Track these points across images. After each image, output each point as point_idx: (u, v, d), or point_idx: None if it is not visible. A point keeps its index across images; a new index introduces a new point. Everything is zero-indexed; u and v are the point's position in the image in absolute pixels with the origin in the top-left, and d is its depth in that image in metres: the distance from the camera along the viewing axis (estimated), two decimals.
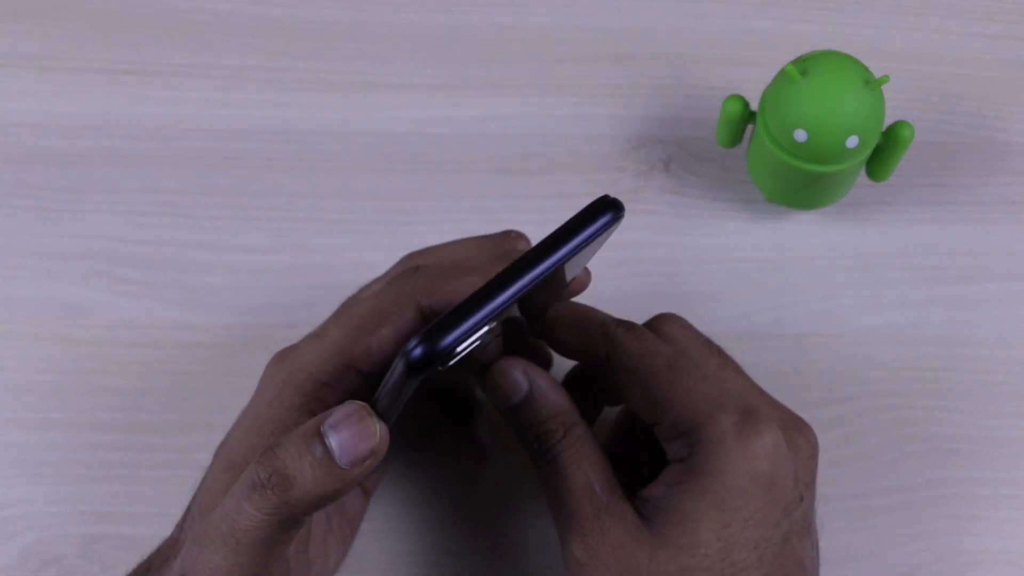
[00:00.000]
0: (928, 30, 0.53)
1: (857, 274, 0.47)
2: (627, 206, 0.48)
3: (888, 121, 0.44)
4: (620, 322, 0.35)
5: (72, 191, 0.48)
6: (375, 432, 0.28)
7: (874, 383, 0.45)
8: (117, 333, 0.45)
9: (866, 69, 0.42)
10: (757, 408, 0.33)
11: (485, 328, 0.26)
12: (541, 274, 0.26)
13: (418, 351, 0.25)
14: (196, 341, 0.45)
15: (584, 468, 0.33)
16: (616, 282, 0.47)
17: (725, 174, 0.49)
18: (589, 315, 0.36)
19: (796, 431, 0.34)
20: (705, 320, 0.46)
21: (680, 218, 0.48)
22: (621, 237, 0.48)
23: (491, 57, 0.52)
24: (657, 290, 0.47)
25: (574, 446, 0.33)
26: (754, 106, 0.46)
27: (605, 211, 0.27)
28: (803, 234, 0.48)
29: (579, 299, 0.37)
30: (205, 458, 0.43)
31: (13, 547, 0.41)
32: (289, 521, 0.29)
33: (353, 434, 0.28)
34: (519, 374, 0.34)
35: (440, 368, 0.26)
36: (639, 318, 0.46)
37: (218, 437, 0.43)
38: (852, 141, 0.41)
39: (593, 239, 0.27)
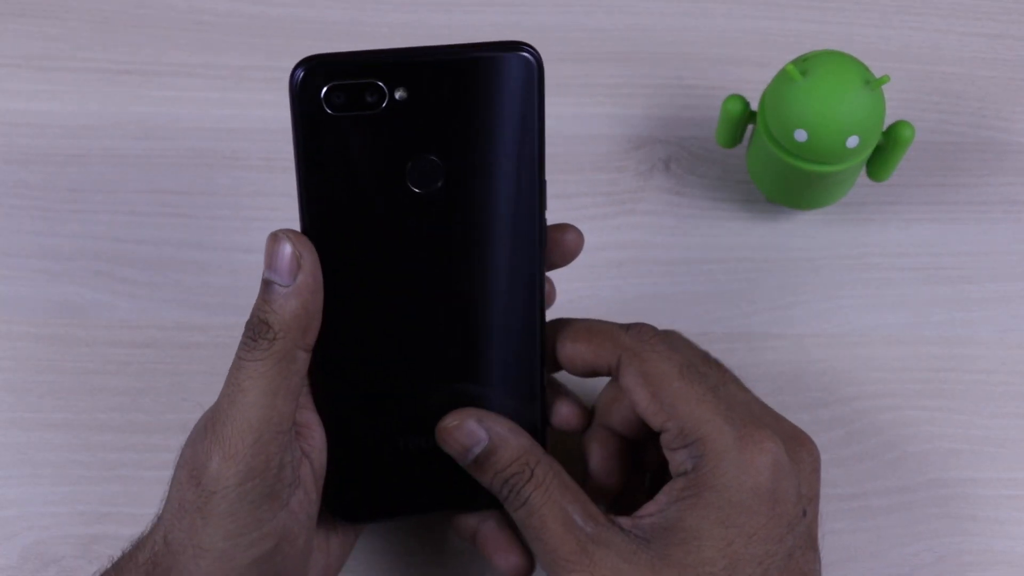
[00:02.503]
0: (929, 30, 0.53)
1: (857, 274, 0.47)
2: (627, 206, 0.48)
3: (888, 121, 0.44)
4: (629, 328, 0.35)
5: (71, 191, 0.48)
6: (283, 239, 0.31)
7: (874, 383, 0.45)
8: (116, 333, 0.45)
9: (866, 69, 0.42)
10: (761, 422, 0.33)
11: (368, 80, 0.30)
12: (429, 60, 0.30)
13: (299, 70, 0.30)
14: (195, 341, 0.45)
15: (558, 503, 0.32)
16: (616, 282, 0.47)
17: (725, 174, 0.49)
18: (595, 325, 0.35)
19: (799, 445, 0.34)
20: (705, 320, 0.46)
21: (680, 218, 0.48)
22: (621, 237, 0.48)
23: None
24: (657, 290, 0.47)
25: (544, 484, 0.33)
26: (754, 106, 0.46)
27: (511, 48, 0.30)
28: (803, 234, 0.48)
29: (583, 312, 0.37)
30: None
31: (12, 548, 0.41)
32: (285, 359, 0.31)
33: (277, 258, 0.31)
34: (474, 424, 0.34)
35: (330, 113, 0.30)
36: (639, 318, 0.46)
37: None
38: (852, 141, 0.41)
39: (487, 66, 0.30)
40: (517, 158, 0.32)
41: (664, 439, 0.33)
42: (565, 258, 0.36)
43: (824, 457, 0.43)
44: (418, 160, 0.32)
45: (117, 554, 0.34)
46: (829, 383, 0.45)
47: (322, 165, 0.32)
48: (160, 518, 0.33)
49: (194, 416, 0.44)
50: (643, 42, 0.53)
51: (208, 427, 0.32)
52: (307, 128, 0.31)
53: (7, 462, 0.43)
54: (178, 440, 0.43)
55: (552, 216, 0.48)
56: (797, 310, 0.46)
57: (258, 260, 0.47)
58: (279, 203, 0.48)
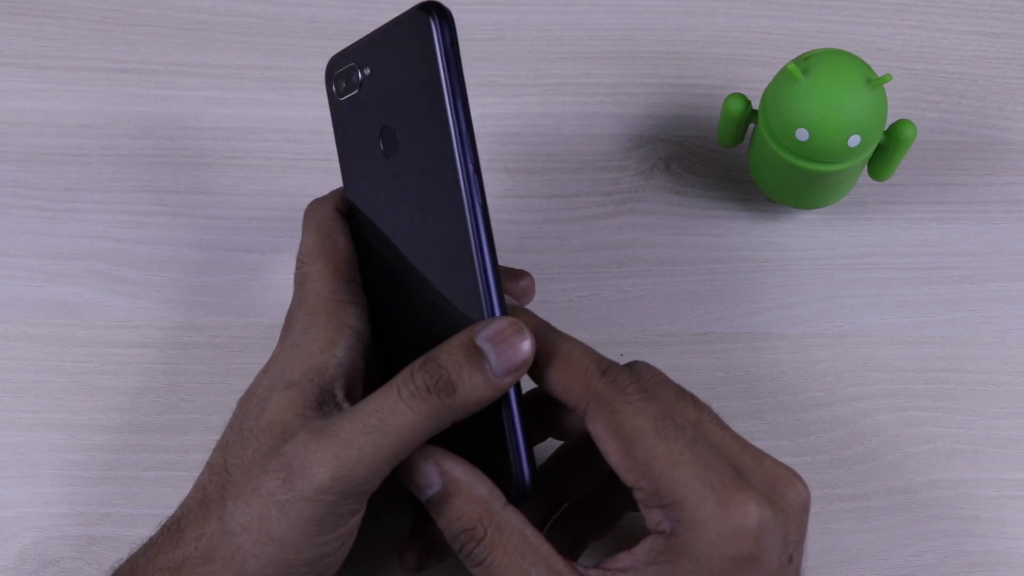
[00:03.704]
0: (930, 28, 0.53)
1: (859, 274, 0.47)
2: (628, 205, 0.48)
3: (890, 120, 0.44)
4: (605, 371, 0.32)
5: (69, 190, 0.48)
6: (529, 341, 0.31)
7: (876, 383, 0.45)
8: (115, 333, 0.45)
9: (868, 68, 0.41)
10: (743, 477, 0.31)
11: (349, 64, 0.34)
12: (372, 36, 0.33)
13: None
14: (194, 341, 0.45)
15: (519, 565, 0.31)
16: (616, 282, 0.47)
17: (726, 173, 0.49)
18: (573, 357, 0.33)
19: (785, 487, 0.32)
20: (705, 320, 0.46)
21: (681, 218, 0.48)
22: (622, 236, 0.47)
23: (491, 55, 0.52)
24: (657, 290, 0.46)
25: (503, 544, 0.31)
26: (755, 105, 0.46)
27: (413, 10, 0.31)
28: (804, 234, 0.48)
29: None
30: (204, 459, 0.43)
31: (10, 548, 0.41)
32: (441, 424, 0.31)
33: (511, 351, 0.31)
34: (430, 467, 0.32)
35: (339, 99, 0.35)
36: (639, 318, 0.46)
37: (216, 438, 0.42)
38: (854, 140, 0.41)
39: (398, 31, 0.32)
40: (435, 119, 0.32)
41: (638, 495, 0.31)
42: (521, 299, 0.36)
43: (825, 457, 0.43)
44: (384, 129, 0.33)
45: (132, 545, 0.34)
46: (831, 383, 0.45)
47: (344, 145, 0.36)
48: (216, 498, 0.32)
49: (192, 417, 0.44)
50: (644, 41, 0.52)
51: (327, 436, 0.31)
52: (332, 116, 0.36)
53: (5, 463, 0.43)
54: (176, 441, 0.43)
55: (553, 215, 0.48)
56: (798, 310, 0.46)
57: (256, 259, 0.47)
58: (278, 202, 0.48)
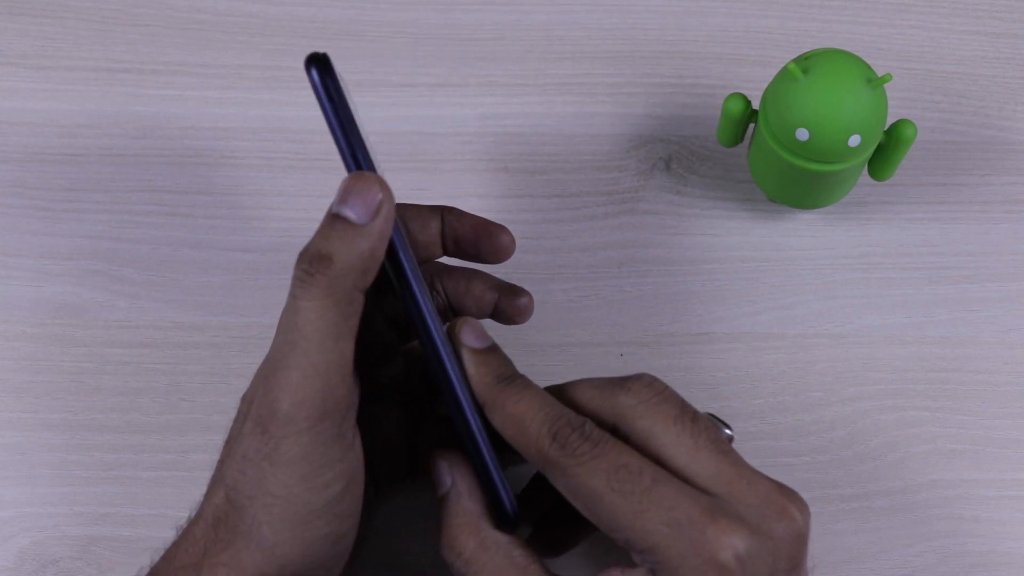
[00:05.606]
0: (931, 28, 0.53)
1: (859, 274, 0.47)
2: (628, 205, 0.48)
3: (890, 120, 0.44)
4: (555, 435, 0.32)
5: (69, 190, 0.48)
6: (372, 180, 0.31)
7: (876, 383, 0.45)
8: (114, 333, 0.45)
9: (868, 67, 0.41)
10: (722, 506, 0.30)
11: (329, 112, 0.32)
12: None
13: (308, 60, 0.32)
14: (193, 341, 0.45)
15: None
16: (616, 282, 0.47)
17: (726, 173, 0.49)
18: (523, 425, 0.32)
19: (777, 515, 0.30)
20: (705, 320, 0.46)
21: (681, 217, 0.48)
22: (622, 236, 0.47)
23: (490, 55, 0.52)
24: (657, 290, 0.46)
25: (485, 562, 0.32)
26: (755, 104, 0.46)
27: (310, 66, 0.31)
28: (804, 233, 0.48)
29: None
30: (203, 459, 0.43)
31: (10, 549, 0.41)
32: (344, 300, 0.30)
33: (359, 197, 0.31)
34: (444, 469, 0.34)
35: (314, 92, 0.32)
36: (639, 318, 0.46)
37: (217, 438, 0.42)
38: (854, 140, 0.41)
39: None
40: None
41: (616, 543, 0.31)
42: (498, 256, 0.36)
43: (825, 458, 0.43)
44: None
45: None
46: (831, 383, 0.45)
47: None
48: (218, 478, 0.33)
49: (191, 417, 0.44)
50: (644, 41, 0.52)
51: (270, 375, 0.31)
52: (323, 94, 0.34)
53: (4, 463, 0.43)
54: (175, 441, 0.43)
55: (554, 215, 0.48)
56: (798, 310, 0.46)
57: (255, 259, 0.47)
58: (277, 202, 0.48)
